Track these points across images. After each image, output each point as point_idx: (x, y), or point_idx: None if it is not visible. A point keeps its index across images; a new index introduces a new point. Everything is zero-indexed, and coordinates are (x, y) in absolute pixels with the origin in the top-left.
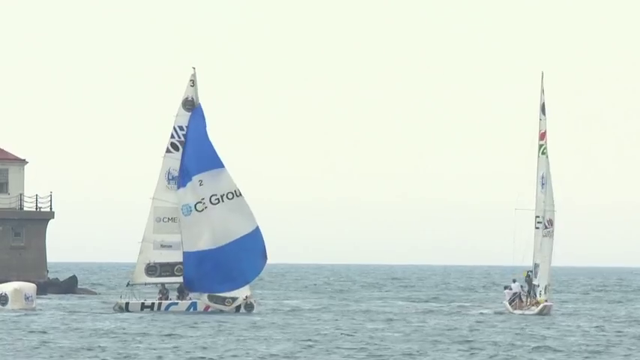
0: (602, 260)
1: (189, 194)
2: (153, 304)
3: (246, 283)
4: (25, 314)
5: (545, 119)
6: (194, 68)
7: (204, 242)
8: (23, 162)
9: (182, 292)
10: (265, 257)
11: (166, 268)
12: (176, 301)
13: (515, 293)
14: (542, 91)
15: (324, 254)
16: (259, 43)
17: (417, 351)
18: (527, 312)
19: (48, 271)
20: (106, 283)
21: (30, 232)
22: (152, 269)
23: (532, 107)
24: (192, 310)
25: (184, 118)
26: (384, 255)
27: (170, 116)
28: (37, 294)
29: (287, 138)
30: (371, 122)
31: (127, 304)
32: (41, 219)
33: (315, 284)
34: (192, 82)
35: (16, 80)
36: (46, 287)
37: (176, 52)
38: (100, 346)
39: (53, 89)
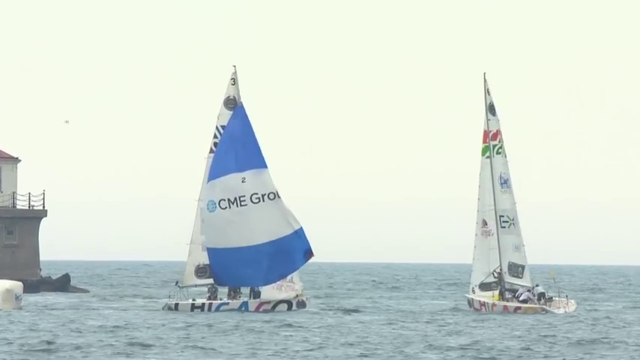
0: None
1: (217, 190)
2: (203, 304)
3: (281, 278)
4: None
5: (497, 119)
6: (234, 66)
7: (234, 239)
8: (16, 160)
9: (233, 292)
10: (306, 256)
11: None
12: (227, 301)
13: (542, 293)
14: (487, 91)
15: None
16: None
17: None
18: (568, 310)
19: (41, 269)
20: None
21: (23, 230)
22: (202, 271)
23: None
24: (243, 309)
25: (227, 117)
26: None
27: (196, 115)
28: (30, 292)
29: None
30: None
31: (177, 304)
32: (34, 217)
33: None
34: (234, 81)
35: (11, 78)
36: (39, 285)
37: (216, 51)
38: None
39: (50, 88)
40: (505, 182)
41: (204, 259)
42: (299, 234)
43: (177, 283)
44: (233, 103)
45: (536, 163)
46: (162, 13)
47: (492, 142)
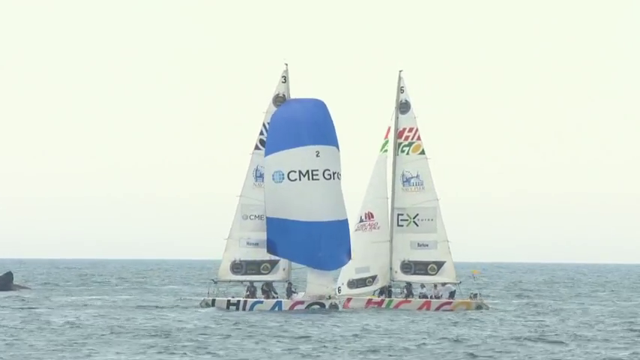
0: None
1: (285, 160)
2: (239, 301)
3: (328, 269)
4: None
5: (411, 117)
6: (286, 64)
7: (298, 212)
8: None
9: (267, 291)
10: (348, 256)
11: (252, 267)
12: (261, 300)
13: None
14: (402, 89)
15: None
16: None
17: None
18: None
19: None
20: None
21: None
22: (237, 267)
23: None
24: (277, 309)
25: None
26: None
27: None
28: None
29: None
30: None
31: (214, 300)
32: None
33: None
34: (285, 79)
35: None
36: None
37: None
38: None
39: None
40: (409, 180)
41: (240, 254)
42: (346, 224)
43: (214, 279)
44: (282, 101)
45: (456, 160)
46: (211, 7)
47: (399, 140)
